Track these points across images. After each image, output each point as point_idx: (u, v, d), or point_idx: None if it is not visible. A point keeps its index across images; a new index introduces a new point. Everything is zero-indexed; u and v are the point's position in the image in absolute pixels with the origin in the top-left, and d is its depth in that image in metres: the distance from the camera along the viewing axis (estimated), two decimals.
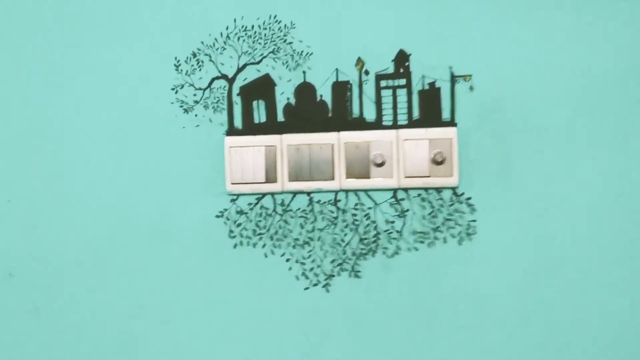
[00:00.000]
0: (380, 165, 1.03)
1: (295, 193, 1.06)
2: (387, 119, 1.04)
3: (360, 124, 1.04)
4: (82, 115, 1.10)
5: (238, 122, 1.07)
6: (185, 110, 1.09)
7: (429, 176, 1.02)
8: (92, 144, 1.09)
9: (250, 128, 1.06)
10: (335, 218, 1.06)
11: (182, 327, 1.08)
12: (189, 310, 1.10)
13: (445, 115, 1.03)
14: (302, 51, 1.06)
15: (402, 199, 1.05)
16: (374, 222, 1.06)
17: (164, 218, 1.10)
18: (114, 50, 1.08)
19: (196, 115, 1.08)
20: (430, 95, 1.03)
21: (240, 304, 1.09)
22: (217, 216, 1.09)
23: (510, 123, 1.02)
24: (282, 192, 1.07)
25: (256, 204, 1.08)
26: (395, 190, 1.05)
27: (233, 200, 1.08)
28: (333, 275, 1.07)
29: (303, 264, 1.08)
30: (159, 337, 1.08)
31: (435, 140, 1.02)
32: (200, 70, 1.09)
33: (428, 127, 1.02)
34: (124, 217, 1.10)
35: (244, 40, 1.07)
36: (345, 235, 1.07)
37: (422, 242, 1.06)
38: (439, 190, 1.04)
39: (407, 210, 1.05)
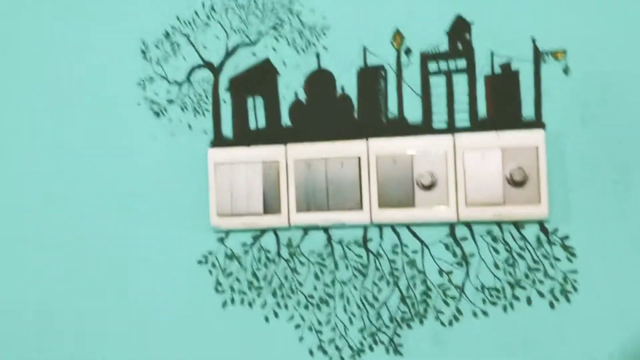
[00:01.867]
0: (430, 187, 0.83)
1: (306, 229, 0.88)
2: (439, 119, 0.84)
3: (400, 128, 0.85)
4: (16, 121, 0.96)
5: (227, 129, 0.90)
6: (156, 113, 0.91)
7: (503, 204, 0.81)
8: (30, 159, 0.95)
9: (244, 136, 0.89)
10: (365, 266, 0.86)
11: None
12: None
13: (527, 112, 0.82)
14: (314, 25, 0.87)
15: (464, 239, 0.84)
16: (421, 272, 0.85)
17: (125, 264, 0.93)
18: (58, 28, 0.94)
19: (171, 120, 0.91)
20: (504, 83, 0.82)
21: None
22: (200, 262, 0.90)
23: (627, 122, 0.81)
24: (288, 228, 0.88)
25: (252, 244, 0.89)
26: (452, 226, 0.84)
27: (221, 240, 0.90)
28: (362, 350, 0.87)
29: (319, 332, 0.88)
30: None
31: (513, 150, 0.80)
32: (175, 56, 0.91)
33: (501, 129, 0.82)
34: (74, 260, 0.94)
35: (234, 13, 0.89)
36: (380, 291, 0.86)
37: (494, 303, 0.84)
38: (519, 225, 0.83)
39: (471, 255, 0.84)
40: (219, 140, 0.89)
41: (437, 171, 0.82)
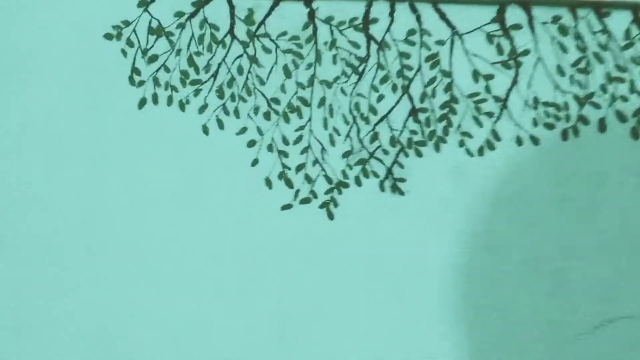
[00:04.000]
0: None
1: None
2: None
3: None
4: None
5: None
6: None
7: None
8: None
9: None
10: (363, 60, 0.63)
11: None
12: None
13: None
14: None
15: (517, 27, 0.62)
16: (446, 74, 0.63)
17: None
18: None
19: None
20: None
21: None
22: (109, 36, 0.65)
23: None
24: None
25: (192, 15, 0.64)
26: (502, 6, 0.61)
27: (144, 4, 0.65)
28: (345, 185, 0.64)
29: (284, 154, 0.65)
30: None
31: None
32: None
33: None
34: None
35: None
36: (381, 99, 0.64)
37: (550, 126, 0.62)
38: (602, 10, 0.59)
39: (525, 53, 0.62)
40: None
41: None
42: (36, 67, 0.66)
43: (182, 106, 0.65)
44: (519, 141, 0.61)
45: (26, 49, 0.66)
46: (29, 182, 0.68)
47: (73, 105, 0.65)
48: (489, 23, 0.62)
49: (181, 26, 0.64)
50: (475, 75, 0.61)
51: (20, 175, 0.67)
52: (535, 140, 0.61)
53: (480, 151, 0.62)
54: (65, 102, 0.66)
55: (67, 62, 0.65)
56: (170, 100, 0.65)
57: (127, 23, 0.65)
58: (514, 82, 0.62)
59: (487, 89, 0.61)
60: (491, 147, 0.62)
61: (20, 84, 0.66)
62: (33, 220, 0.68)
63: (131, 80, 0.65)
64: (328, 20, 0.63)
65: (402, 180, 0.63)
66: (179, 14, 0.64)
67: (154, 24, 0.64)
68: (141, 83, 0.65)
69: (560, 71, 0.61)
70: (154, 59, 0.65)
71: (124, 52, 0.65)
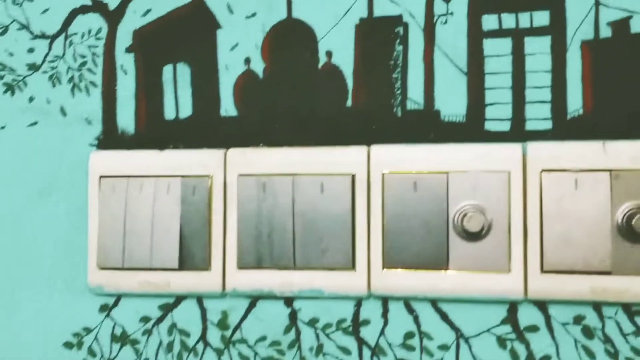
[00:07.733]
0: (478, 236, 0.57)
1: (255, 298, 0.62)
2: (499, 114, 0.61)
3: (426, 127, 0.62)
4: None
5: (126, 118, 0.66)
6: (9, 88, 0.67)
7: (609, 272, 0.56)
8: None
9: (155, 132, 0.66)
10: None
11: None
12: None
13: None
14: None
15: (533, 329, 0.57)
16: None
17: None
18: None
19: (32, 99, 0.67)
20: (615, 53, 0.59)
21: None
22: (69, 345, 0.62)
23: None
24: (223, 296, 0.62)
25: (159, 320, 0.62)
26: (514, 306, 0.58)
27: (105, 310, 0.62)
28: None
29: None
30: None
31: (630, 175, 0.56)
32: None
33: (609, 137, 0.59)
34: None
35: None
36: None
37: None
38: (634, 311, 0.57)
39: None
40: (111, 137, 0.64)
41: (493, 208, 0.57)
42: None
43: None
44: None
45: None
46: None
47: None
48: (499, 325, 0.56)
49: (147, 332, 0.60)
50: None
51: None
52: None
53: None
54: None
55: None
56: None
57: (88, 330, 0.61)
58: None
59: None
60: None
61: None
62: None
63: None
64: (312, 323, 0.58)
65: None
66: (145, 319, 0.60)
67: (118, 331, 0.61)
68: None
69: None
70: None
71: None
